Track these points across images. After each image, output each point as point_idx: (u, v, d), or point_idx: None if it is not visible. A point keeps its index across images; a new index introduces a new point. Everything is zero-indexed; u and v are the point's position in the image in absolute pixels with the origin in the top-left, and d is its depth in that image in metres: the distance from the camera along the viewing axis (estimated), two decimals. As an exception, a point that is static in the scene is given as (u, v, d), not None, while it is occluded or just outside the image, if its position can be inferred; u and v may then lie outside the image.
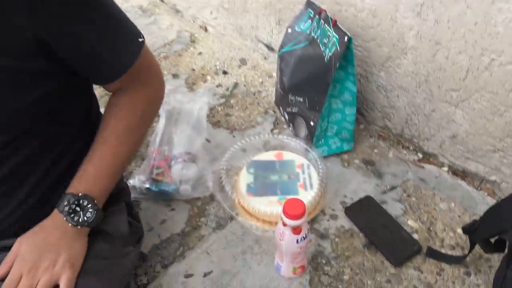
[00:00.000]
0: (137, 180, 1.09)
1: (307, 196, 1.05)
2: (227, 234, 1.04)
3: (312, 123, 1.18)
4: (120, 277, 0.81)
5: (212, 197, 1.12)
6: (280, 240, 0.87)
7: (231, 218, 1.08)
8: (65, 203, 0.70)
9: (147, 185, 1.08)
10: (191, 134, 1.17)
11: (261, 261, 0.99)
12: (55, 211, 0.71)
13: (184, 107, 1.21)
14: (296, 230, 0.84)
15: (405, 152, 1.27)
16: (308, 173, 1.12)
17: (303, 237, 0.85)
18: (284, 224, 0.84)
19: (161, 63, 1.57)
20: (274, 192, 1.07)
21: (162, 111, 1.19)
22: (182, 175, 1.10)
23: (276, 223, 0.98)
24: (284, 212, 0.82)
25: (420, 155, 1.26)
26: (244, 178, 1.10)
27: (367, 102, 1.32)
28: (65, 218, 0.70)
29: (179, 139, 1.16)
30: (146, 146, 1.19)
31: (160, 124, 1.17)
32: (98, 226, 0.75)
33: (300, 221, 0.82)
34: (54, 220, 0.71)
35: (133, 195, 1.08)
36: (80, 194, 0.71)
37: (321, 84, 1.12)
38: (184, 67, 1.56)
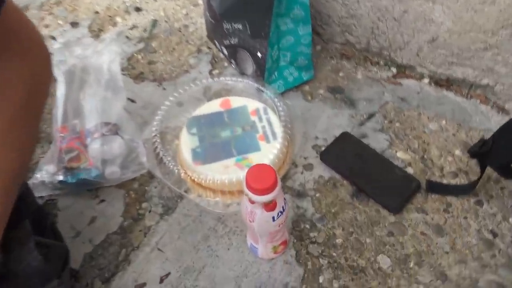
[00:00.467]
0: (45, 173, 0.81)
1: (271, 149, 0.82)
2: (179, 218, 0.80)
3: (259, 54, 0.91)
4: None
5: (150, 175, 0.86)
6: (250, 221, 0.64)
7: (181, 197, 0.83)
8: None
9: (61, 177, 0.80)
10: (105, 97, 0.88)
11: (230, 244, 0.77)
12: None
13: (89, 62, 0.91)
14: (269, 206, 0.61)
15: (375, 69, 1.05)
16: (266, 119, 0.88)
17: (280, 212, 0.63)
18: (252, 202, 0.60)
19: (53, 10, 1.21)
20: (228, 153, 0.83)
21: (59, 73, 0.88)
22: (104, 153, 0.83)
23: (239, 193, 0.75)
24: (248, 186, 0.58)
25: (394, 70, 1.04)
26: (187, 142, 0.85)
27: (321, 16, 1.06)
28: None
29: (90, 106, 0.86)
30: (49, 125, 0.89)
31: (60, 92, 0.86)
32: None
33: (273, 194, 0.59)
34: None
35: (43, 194, 0.81)
36: None
37: (262, 1, 0.85)
38: (84, 10, 1.22)
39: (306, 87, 1.02)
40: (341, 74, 1.04)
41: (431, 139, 0.90)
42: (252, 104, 0.91)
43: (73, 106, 0.87)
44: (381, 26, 0.99)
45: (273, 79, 0.97)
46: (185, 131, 0.87)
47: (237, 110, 0.90)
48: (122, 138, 0.86)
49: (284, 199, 0.64)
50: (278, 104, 0.91)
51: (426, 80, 1.01)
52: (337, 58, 1.08)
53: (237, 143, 0.84)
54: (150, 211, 0.82)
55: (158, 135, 0.86)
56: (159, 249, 0.76)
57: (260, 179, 0.58)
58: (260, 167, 0.60)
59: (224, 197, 0.80)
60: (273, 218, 0.62)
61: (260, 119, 0.88)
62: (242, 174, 0.69)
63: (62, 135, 0.85)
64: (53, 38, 1.14)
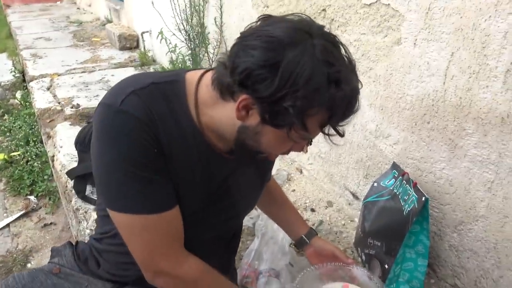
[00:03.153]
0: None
1: None
2: None
3: (386, 266, 1.34)
4: None
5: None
6: None
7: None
8: None
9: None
10: (277, 254, 1.39)
11: None
12: None
13: (273, 228, 1.46)
14: None
15: (472, 313, 1.35)
16: None
17: None
18: None
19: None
20: None
21: (258, 232, 1.44)
22: (264, 288, 1.29)
23: None
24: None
25: (488, 320, 1.33)
26: None
27: (439, 259, 1.46)
28: None
29: (267, 256, 1.37)
30: (239, 260, 1.41)
31: (255, 244, 1.41)
32: None
33: None
34: None
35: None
36: None
37: (398, 233, 1.31)
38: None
39: (414, 305, 1.37)
40: (444, 306, 1.37)
41: None
42: None
43: (258, 253, 1.39)
44: (482, 281, 1.33)
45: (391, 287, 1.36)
46: None
47: None
48: (280, 282, 1.32)
49: None
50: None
51: (512, 337, 1.27)
52: (445, 293, 1.42)
53: None
54: None
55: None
56: None
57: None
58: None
59: None
60: None
61: None
62: None
63: (247, 267, 1.35)
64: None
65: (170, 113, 0.83)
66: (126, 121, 0.78)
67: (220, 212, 0.98)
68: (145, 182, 0.81)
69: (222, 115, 0.82)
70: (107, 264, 1.02)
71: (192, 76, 0.87)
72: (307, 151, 0.87)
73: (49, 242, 2.19)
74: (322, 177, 1.95)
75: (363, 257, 1.47)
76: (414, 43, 1.37)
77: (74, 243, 1.14)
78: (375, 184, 1.49)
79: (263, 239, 1.44)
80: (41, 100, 3.05)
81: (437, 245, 1.45)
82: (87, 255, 1.08)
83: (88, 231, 1.65)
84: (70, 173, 1.56)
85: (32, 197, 2.57)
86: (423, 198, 1.26)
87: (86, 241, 1.13)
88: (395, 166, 1.47)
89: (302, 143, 0.84)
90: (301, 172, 2.06)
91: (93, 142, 0.81)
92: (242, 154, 0.88)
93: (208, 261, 0.93)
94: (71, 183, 1.78)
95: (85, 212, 1.72)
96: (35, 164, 2.81)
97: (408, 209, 1.30)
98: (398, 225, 1.32)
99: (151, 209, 0.82)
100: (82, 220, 1.72)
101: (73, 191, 1.73)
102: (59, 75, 3.65)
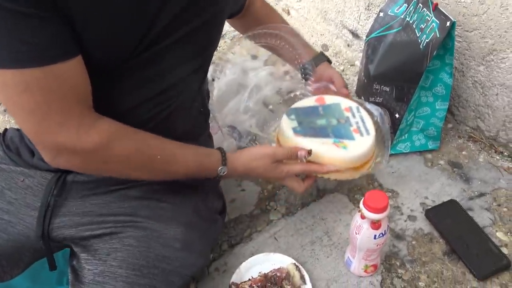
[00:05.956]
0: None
1: (365, 141, 0.87)
2: (296, 222, 1.00)
3: (397, 115, 1.09)
4: (211, 241, 0.87)
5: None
6: (355, 233, 0.80)
7: (301, 206, 1.03)
8: None
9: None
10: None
11: (330, 254, 0.94)
12: None
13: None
14: (375, 224, 0.77)
15: (498, 157, 1.15)
16: (359, 117, 0.93)
17: (382, 234, 0.79)
18: (363, 217, 0.78)
19: (241, 43, 1.55)
20: (326, 134, 0.88)
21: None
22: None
23: (337, 171, 0.85)
24: (365, 203, 0.76)
25: (516, 163, 1.13)
26: (287, 123, 0.90)
27: (460, 99, 1.21)
28: None
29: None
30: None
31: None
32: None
33: (382, 215, 0.75)
34: None
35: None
36: None
37: (412, 73, 1.03)
38: (263, 49, 1.53)
39: (429, 155, 1.16)
40: (464, 152, 1.16)
41: (535, 231, 0.97)
42: (345, 103, 0.96)
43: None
44: (513, 121, 1.10)
45: (403, 139, 1.14)
46: (285, 117, 0.91)
47: (331, 106, 0.95)
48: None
49: (388, 225, 0.80)
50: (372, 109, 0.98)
51: (545, 180, 1.08)
52: (465, 138, 1.21)
53: (333, 130, 0.89)
54: (275, 209, 1.03)
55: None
56: (275, 238, 0.96)
57: (375, 201, 0.75)
58: (378, 193, 0.77)
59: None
60: (375, 236, 0.78)
61: (354, 115, 0.93)
62: (339, 152, 0.83)
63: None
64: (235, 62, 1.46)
65: None
66: None
67: (144, 67, 0.70)
68: (17, 20, 0.54)
69: None
70: None
71: None
72: None
73: (15, 125, 1.95)
74: (314, 16, 1.59)
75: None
76: None
77: (1, 132, 0.89)
78: (381, 14, 1.16)
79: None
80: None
81: (457, 83, 1.18)
82: (17, 144, 0.84)
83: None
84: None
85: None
86: (448, 23, 0.95)
87: (16, 127, 0.88)
88: (406, -14, 1.13)
89: None
90: (288, 13, 1.70)
91: None
92: None
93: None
94: None
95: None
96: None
97: (426, 40, 1.00)
98: (412, 63, 1.03)
99: (28, 60, 0.57)
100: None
101: None
102: None
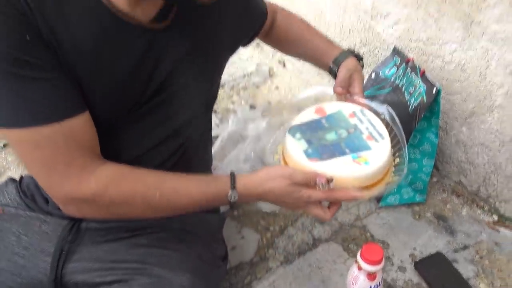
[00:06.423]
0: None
1: (383, 148, 0.80)
2: (294, 270, 1.05)
3: (387, 170, 1.17)
4: (215, 287, 0.87)
5: (281, 230, 1.13)
6: (352, 284, 0.86)
7: (299, 254, 1.08)
8: None
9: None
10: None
11: (327, 302, 0.99)
12: None
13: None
14: (371, 276, 0.83)
15: (479, 211, 1.23)
16: (368, 120, 0.86)
17: (377, 285, 0.85)
18: (360, 268, 0.83)
19: (240, 93, 1.63)
20: (342, 151, 0.79)
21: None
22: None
23: (367, 187, 0.77)
24: (362, 256, 0.82)
25: (496, 218, 1.21)
26: (295, 146, 0.79)
27: (444, 155, 1.30)
28: None
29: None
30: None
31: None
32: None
33: (378, 267, 0.82)
34: None
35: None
36: None
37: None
38: (261, 99, 1.62)
39: (417, 208, 1.24)
40: (448, 206, 1.25)
41: (514, 283, 1.04)
42: (347, 108, 0.88)
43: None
44: (492, 178, 1.19)
45: (392, 192, 1.22)
46: (290, 138, 0.81)
47: (334, 116, 0.86)
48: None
49: (382, 277, 0.86)
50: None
51: (523, 234, 1.17)
52: (449, 192, 1.29)
53: (347, 143, 0.80)
54: (274, 257, 1.08)
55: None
56: (274, 287, 1.01)
57: (371, 253, 0.81)
58: (374, 246, 0.83)
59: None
60: (371, 287, 0.84)
61: (361, 121, 0.85)
62: (363, 170, 0.73)
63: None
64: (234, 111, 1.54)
65: None
66: None
67: (151, 112, 0.76)
68: (25, 84, 0.61)
69: None
70: None
71: None
72: None
73: (12, 163, 1.96)
74: (309, 69, 1.70)
75: (360, 160, 1.29)
76: None
77: (18, 179, 0.93)
78: (373, 75, 1.27)
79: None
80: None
81: (442, 141, 1.28)
82: (33, 191, 0.88)
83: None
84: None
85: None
86: (434, 90, 1.05)
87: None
88: (396, 51, 1.23)
89: None
90: (284, 65, 1.81)
91: None
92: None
93: None
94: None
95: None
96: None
97: (415, 104, 1.09)
98: (402, 124, 1.12)
99: (37, 119, 0.62)
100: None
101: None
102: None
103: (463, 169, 1.26)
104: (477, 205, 1.25)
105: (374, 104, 0.90)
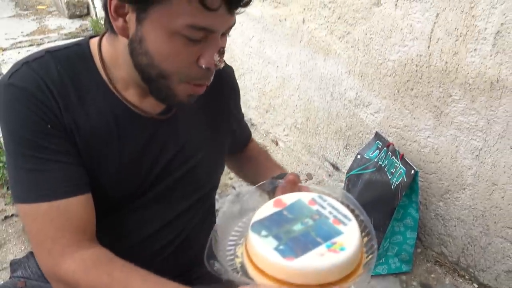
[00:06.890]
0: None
1: (353, 229, 0.70)
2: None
3: (374, 243, 1.30)
4: None
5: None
6: None
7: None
8: None
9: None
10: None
11: None
12: None
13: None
14: None
15: (461, 280, 1.35)
16: (329, 205, 0.78)
17: None
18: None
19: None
20: (314, 242, 0.71)
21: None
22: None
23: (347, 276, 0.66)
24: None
25: (476, 286, 1.33)
26: (264, 245, 0.70)
27: (425, 228, 1.43)
28: None
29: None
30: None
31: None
32: None
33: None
34: None
35: None
36: None
37: (387, 208, 1.26)
38: (257, 175, 1.76)
39: (403, 277, 1.34)
40: (432, 275, 1.36)
41: None
42: (305, 196, 0.81)
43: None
44: (470, 249, 1.32)
45: (381, 262, 1.33)
46: (255, 236, 0.72)
47: (294, 205, 0.80)
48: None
49: None
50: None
51: (501, 302, 1.27)
52: (432, 262, 1.41)
53: (317, 232, 0.73)
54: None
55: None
56: None
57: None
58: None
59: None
60: None
61: (322, 206, 0.79)
62: (341, 257, 0.63)
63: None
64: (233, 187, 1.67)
65: (71, 80, 0.73)
66: (12, 93, 0.69)
67: (158, 199, 0.83)
68: (37, 165, 0.70)
69: (119, 51, 0.72)
70: None
71: (95, 39, 0.79)
72: (221, 62, 0.69)
73: (13, 236, 2.02)
74: (300, 148, 1.87)
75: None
76: (396, 4, 1.28)
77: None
78: (359, 156, 1.43)
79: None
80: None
81: (423, 215, 1.42)
82: None
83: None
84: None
85: (-13, 187, 2.37)
86: (412, 171, 1.21)
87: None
88: (378, 136, 1.41)
89: (209, 49, 0.67)
90: (277, 144, 1.98)
91: None
92: (166, 98, 0.74)
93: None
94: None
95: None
96: (-12, 150, 2.59)
97: (396, 182, 1.25)
98: (386, 200, 1.27)
99: (38, 195, 0.71)
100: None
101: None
102: (3, 50, 3.34)
103: (443, 240, 1.39)
104: (458, 274, 1.36)
105: (326, 190, 0.84)
